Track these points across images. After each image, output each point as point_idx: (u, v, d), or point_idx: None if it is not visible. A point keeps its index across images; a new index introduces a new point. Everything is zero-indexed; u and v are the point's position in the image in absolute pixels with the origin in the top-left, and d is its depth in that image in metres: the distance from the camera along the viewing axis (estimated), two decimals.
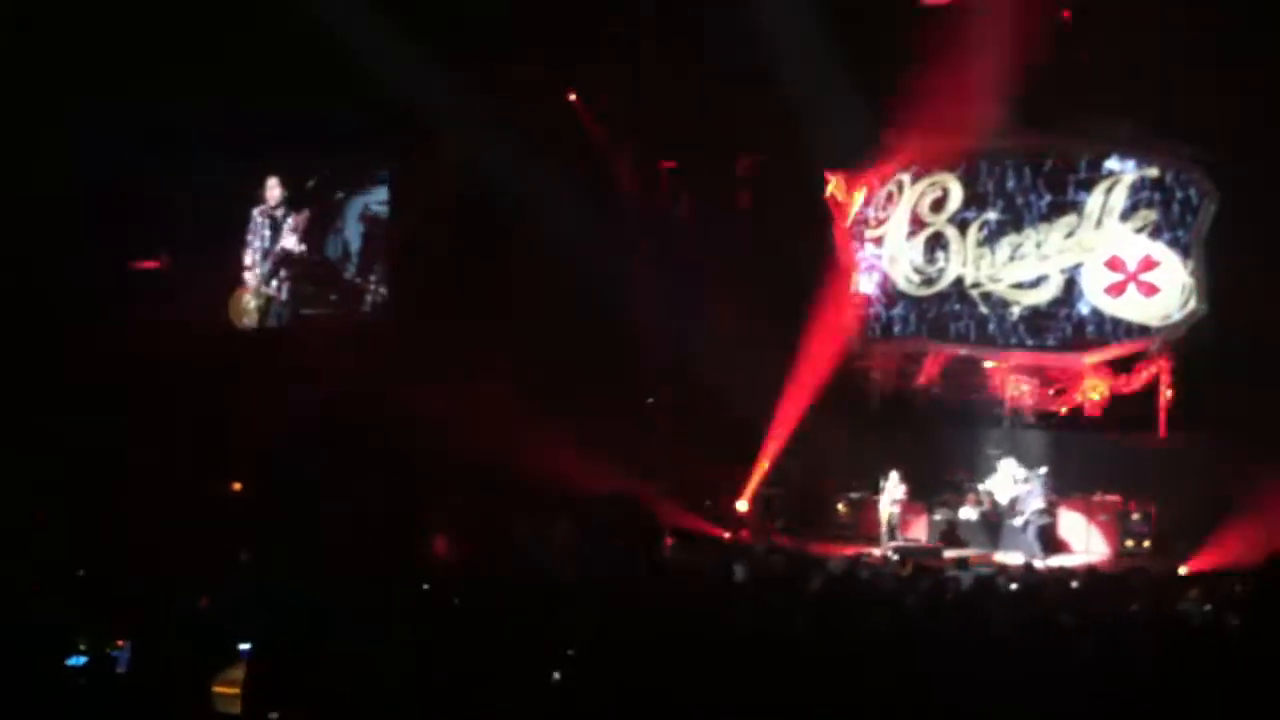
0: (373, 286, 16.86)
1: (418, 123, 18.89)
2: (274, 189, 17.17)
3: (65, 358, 17.47)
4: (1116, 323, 19.46)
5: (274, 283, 17.52)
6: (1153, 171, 19.23)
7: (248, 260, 17.58)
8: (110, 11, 17.29)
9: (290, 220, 17.34)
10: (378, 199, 17.01)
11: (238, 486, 18.59)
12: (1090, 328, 19.63)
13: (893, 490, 18.99)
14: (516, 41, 19.80)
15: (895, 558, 17.31)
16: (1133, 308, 19.36)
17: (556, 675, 5.50)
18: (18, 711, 4.14)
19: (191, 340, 18.81)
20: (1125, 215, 19.41)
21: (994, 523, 18.89)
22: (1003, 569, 15.45)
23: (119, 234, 19.24)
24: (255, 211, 17.49)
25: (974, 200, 20.47)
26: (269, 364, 18.60)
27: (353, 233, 16.84)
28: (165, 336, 19.06)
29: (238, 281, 17.64)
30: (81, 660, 7.54)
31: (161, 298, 19.22)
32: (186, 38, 17.41)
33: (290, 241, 17.28)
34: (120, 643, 9.24)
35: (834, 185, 21.16)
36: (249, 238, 17.44)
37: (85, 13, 17.17)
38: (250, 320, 17.66)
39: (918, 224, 20.91)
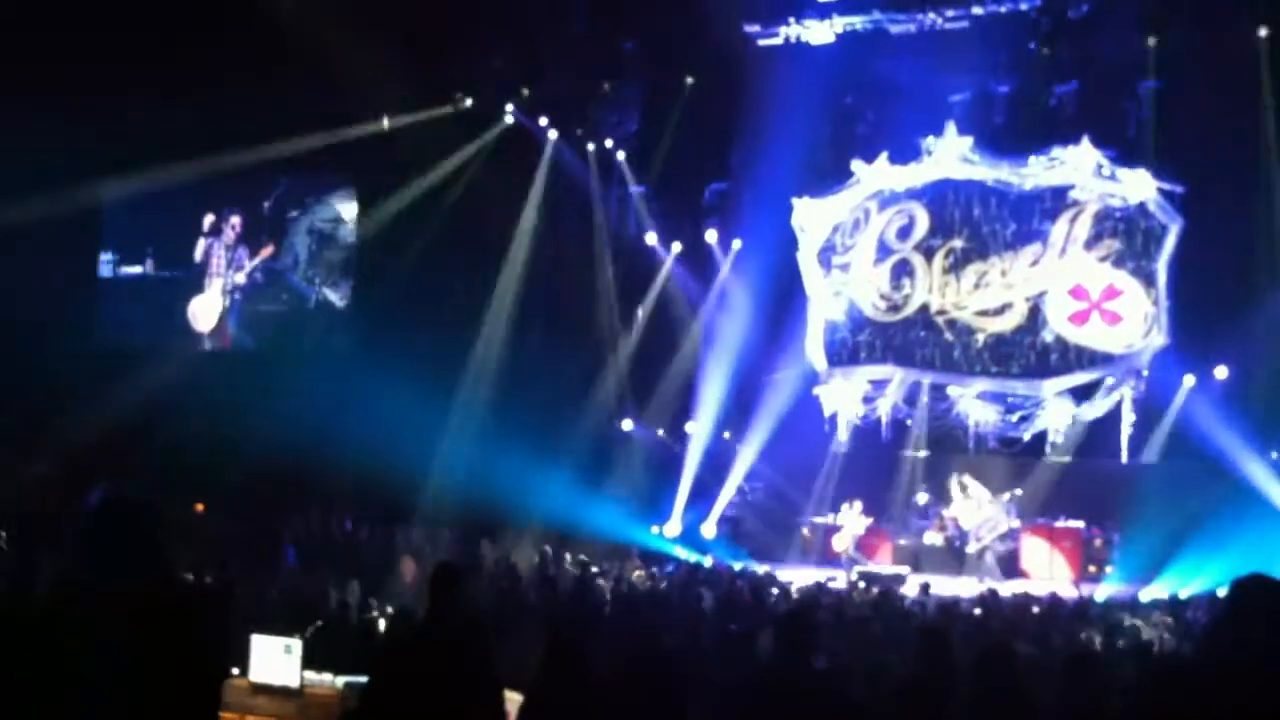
0: (316, 287, 19.23)
1: (380, 139, 19.29)
2: (236, 224, 19.60)
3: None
4: (1080, 350, 19.64)
5: (236, 294, 19.75)
6: (1117, 201, 19.44)
7: (206, 275, 19.74)
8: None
9: (248, 261, 19.55)
10: (322, 217, 19.26)
11: (201, 507, 18.49)
12: (1054, 355, 19.80)
13: (851, 520, 18.97)
14: (485, 60, 19.92)
15: (860, 584, 17.31)
16: (1096, 336, 19.55)
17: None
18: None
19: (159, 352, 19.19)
20: (1089, 244, 19.62)
21: (957, 548, 18.91)
22: (965, 595, 15.49)
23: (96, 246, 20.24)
24: (214, 242, 19.68)
25: (940, 228, 20.62)
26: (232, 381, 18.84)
27: (300, 245, 19.23)
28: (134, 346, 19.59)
29: (198, 290, 19.59)
30: None
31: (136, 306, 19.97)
32: (159, 49, 17.54)
33: (249, 271, 19.64)
34: None
35: (800, 212, 21.27)
36: (208, 255, 19.66)
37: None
38: (210, 323, 19.49)
39: (884, 251, 21.04)
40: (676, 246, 21.50)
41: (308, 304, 19.49)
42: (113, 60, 17.60)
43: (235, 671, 7.86)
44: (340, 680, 7.89)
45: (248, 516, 16.64)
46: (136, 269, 19.98)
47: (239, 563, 14.41)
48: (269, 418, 17.80)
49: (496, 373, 20.24)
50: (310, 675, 8.00)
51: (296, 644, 7.87)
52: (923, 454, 20.54)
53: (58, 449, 16.78)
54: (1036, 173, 19.80)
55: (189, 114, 17.66)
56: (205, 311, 19.79)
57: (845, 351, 21.25)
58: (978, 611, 13.47)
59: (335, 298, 19.48)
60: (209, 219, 20.40)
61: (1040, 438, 19.81)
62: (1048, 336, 19.87)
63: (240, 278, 19.61)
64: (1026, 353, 20.01)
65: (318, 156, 19.59)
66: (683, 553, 19.55)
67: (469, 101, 20.40)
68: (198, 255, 20.01)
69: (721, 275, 21.46)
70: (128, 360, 18.82)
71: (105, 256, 20.32)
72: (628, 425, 21.24)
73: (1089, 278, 19.61)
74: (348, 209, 20.08)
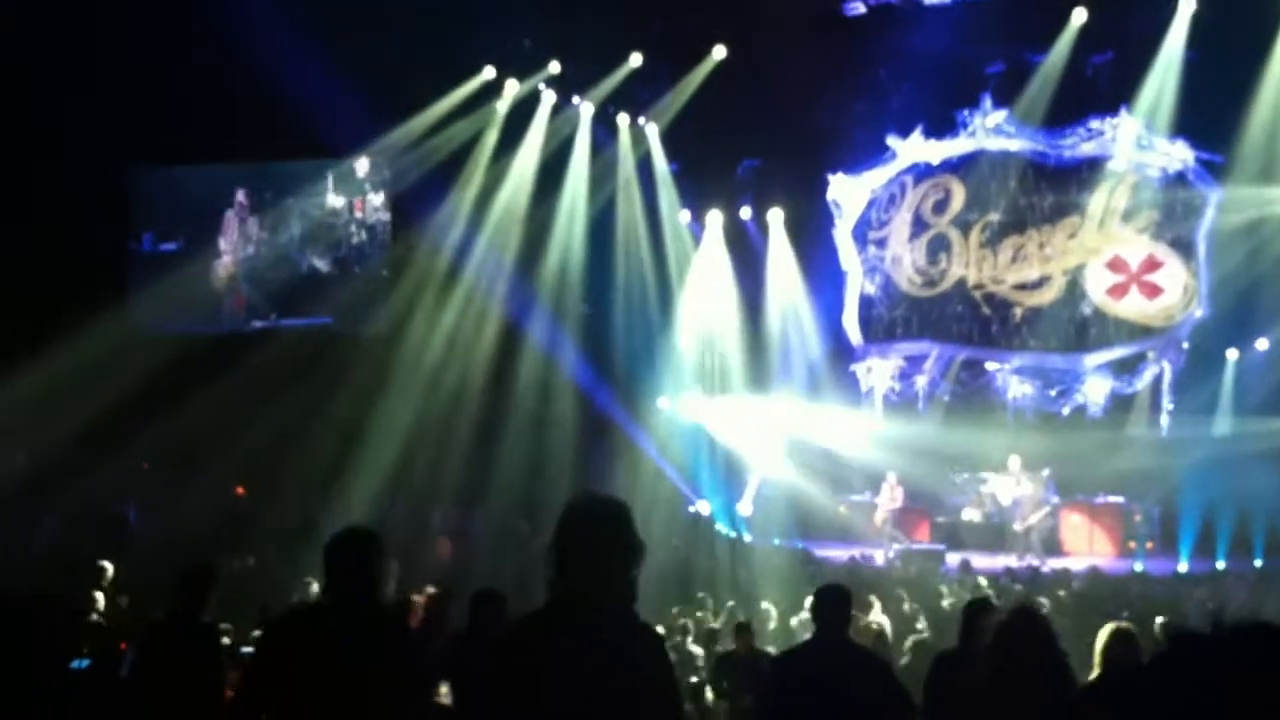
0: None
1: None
2: (243, 198, 22.43)
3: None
4: (1119, 323, 19.45)
5: (246, 259, 22.58)
6: (1154, 172, 19.21)
7: (222, 245, 22.37)
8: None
9: (255, 233, 22.47)
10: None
11: (241, 491, 18.64)
12: (1093, 329, 19.63)
13: (889, 497, 18.86)
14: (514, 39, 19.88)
15: (897, 561, 17.27)
16: (1135, 308, 19.36)
17: None
18: (20, 714, 4.11)
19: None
20: (1128, 216, 19.41)
21: (996, 524, 18.79)
22: (1006, 571, 15.42)
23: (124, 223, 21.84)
24: (229, 211, 22.47)
25: (976, 202, 20.47)
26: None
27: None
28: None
29: (215, 256, 22.39)
30: (85, 664, 7.55)
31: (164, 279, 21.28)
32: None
33: (256, 244, 22.56)
34: (123, 646, 9.23)
35: (835, 188, 21.18)
36: (225, 229, 22.46)
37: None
38: (221, 284, 22.37)
39: (920, 225, 20.92)
40: (716, 220, 21.37)
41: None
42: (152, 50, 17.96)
43: None
44: None
45: (286, 498, 16.75)
46: (171, 245, 22.35)
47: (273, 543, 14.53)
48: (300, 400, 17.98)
49: (531, 352, 20.31)
50: None
51: None
52: (961, 430, 20.39)
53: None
54: (1073, 144, 19.61)
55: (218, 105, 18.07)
56: (223, 270, 22.45)
57: (881, 327, 21.17)
58: (1018, 587, 13.45)
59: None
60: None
61: (1080, 412, 19.64)
62: (1086, 310, 19.69)
63: (250, 249, 22.44)
64: (1065, 326, 19.82)
65: (328, 145, 20.22)
66: (722, 529, 19.61)
67: (512, 84, 20.27)
68: (222, 228, 22.55)
69: (773, 250, 21.31)
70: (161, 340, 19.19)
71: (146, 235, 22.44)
72: (663, 404, 21.18)
73: (1128, 250, 19.41)
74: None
